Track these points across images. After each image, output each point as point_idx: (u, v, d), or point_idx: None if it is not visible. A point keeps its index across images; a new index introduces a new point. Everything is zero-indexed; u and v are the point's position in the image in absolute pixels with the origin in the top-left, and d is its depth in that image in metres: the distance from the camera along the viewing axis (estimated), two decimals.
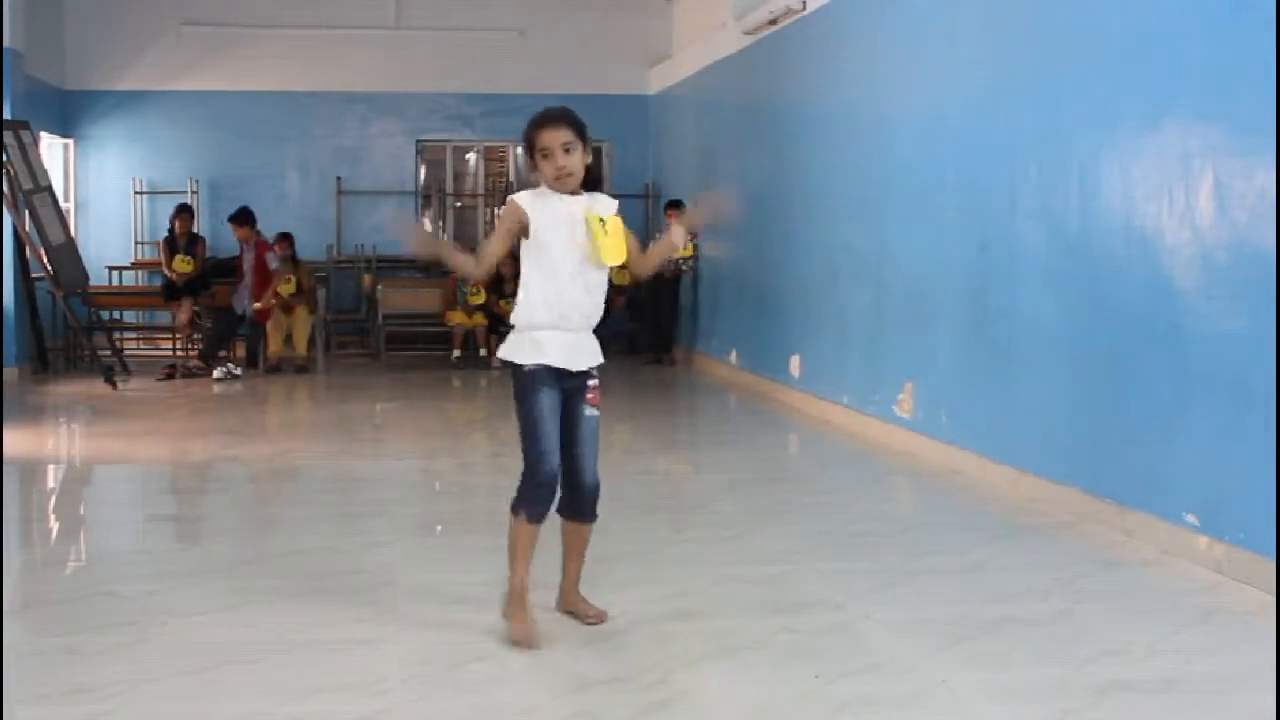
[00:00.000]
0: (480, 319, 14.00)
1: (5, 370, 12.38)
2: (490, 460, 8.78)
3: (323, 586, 5.30)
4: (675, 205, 14.22)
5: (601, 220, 4.58)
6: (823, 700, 4.06)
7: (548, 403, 4.60)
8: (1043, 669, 4.34)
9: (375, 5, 16.00)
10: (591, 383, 4.68)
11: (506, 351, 4.68)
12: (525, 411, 4.61)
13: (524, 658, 4.44)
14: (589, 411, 4.67)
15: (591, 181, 4.72)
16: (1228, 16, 5.58)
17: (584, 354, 4.65)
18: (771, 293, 11.48)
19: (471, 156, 17.11)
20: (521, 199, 4.63)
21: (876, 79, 9.27)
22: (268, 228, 15.07)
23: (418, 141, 16.54)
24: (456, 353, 14.14)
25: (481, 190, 17.11)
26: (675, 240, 4.83)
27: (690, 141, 14.65)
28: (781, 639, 4.65)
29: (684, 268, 14.20)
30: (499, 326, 14.14)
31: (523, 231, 4.60)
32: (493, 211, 17.10)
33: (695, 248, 14.07)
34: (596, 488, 4.71)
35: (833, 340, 10.01)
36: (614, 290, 14.77)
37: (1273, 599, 5.08)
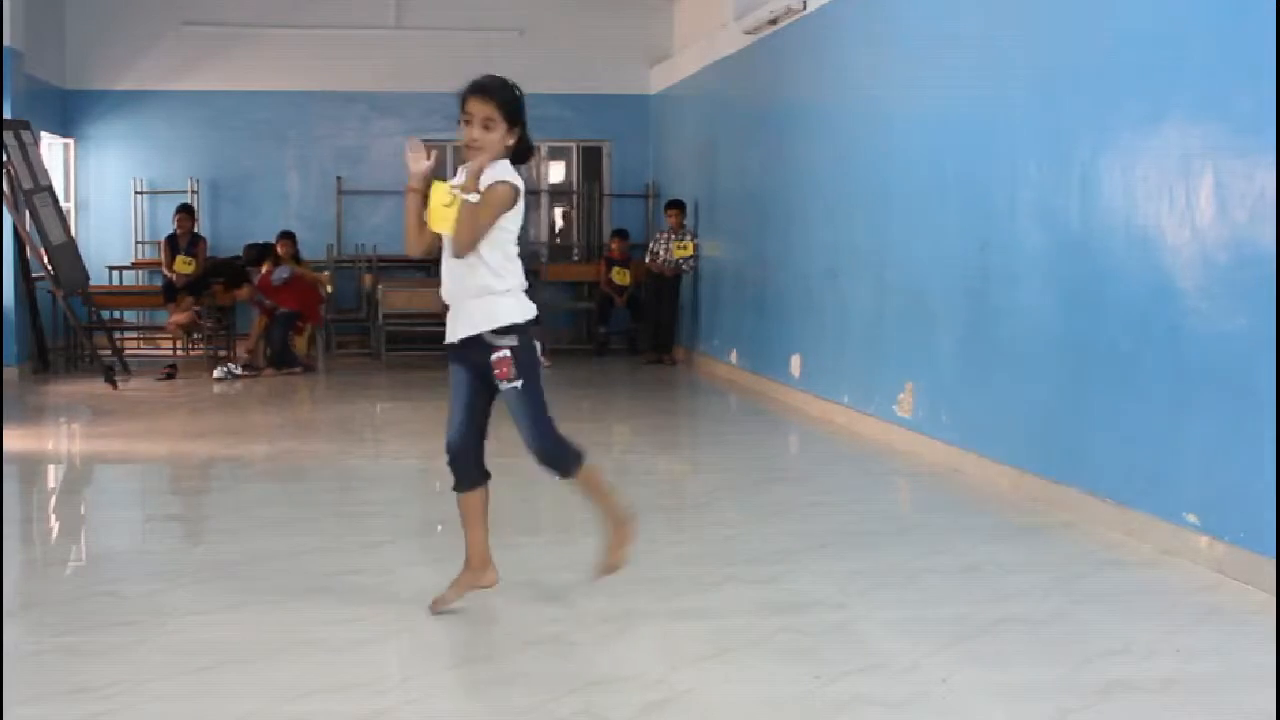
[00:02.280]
0: None
1: (5, 370, 12.38)
2: (490, 461, 8.74)
3: (323, 586, 5.30)
4: (675, 205, 14.22)
5: (452, 189, 4.59)
6: (822, 700, 4.06)
7: (454, 375, 4.80)
8: (1043, 669, 4.34)
9: (375, 5, 15.99)
10: (495, 356, 4.67)
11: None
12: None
13: (524, 657, 4.44)
14: (503, 386, 4.71)
15: (522, 157, 4.74)
16: (1228, 17, 5.58)
17: (460, 323, 4.71)
18: (772, 292, 11.48)
19: None
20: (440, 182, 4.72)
21: (877, 79, 9.27)
22: (269, 227, 15.12)
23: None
24: None
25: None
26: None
27: (691, 141, 14.65)
28: (781, 639, 4.65)
29: (685, 268, 14.20)
30: None
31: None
32: None
33: (696, 247, 14.07)
34: (541, 451, 4.76)
35: (833, 340, 10.01)
36: (615, 289, 14.91)
37: (1273, 598, 5.08)
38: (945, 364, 8.13)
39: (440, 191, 4.61)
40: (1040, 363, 7.00)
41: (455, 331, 4.72)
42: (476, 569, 4.92)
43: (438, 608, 4.88)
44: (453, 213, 4.57)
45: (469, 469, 4.84)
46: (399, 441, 9.67)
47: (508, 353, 4.66)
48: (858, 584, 5.36)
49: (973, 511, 6.82)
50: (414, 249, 4.75)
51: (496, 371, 4.66)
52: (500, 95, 4.60)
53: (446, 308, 4.77)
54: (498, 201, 4.58)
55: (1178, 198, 5.87)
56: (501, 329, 4.66)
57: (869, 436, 9.07)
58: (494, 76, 4.70)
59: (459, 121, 4.64)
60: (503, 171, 4.64)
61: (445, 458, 4.84)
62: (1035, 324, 7.05)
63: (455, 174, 4.80)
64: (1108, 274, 6.40)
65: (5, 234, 12.53)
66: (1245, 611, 5.02)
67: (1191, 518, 5.73)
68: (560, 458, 4.79)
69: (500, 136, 4.59)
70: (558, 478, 4.84)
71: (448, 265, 4.69)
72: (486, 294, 4.66)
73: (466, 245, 4.57)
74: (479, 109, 4.58)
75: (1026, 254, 7.16)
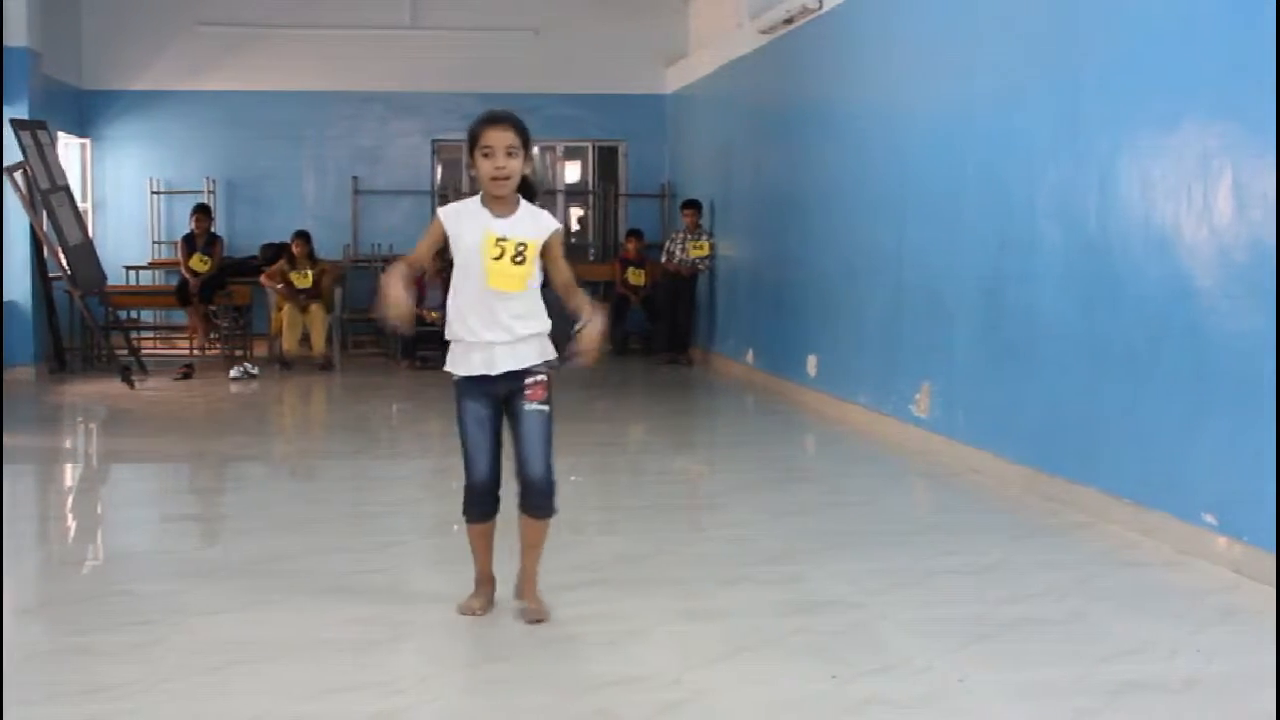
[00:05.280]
0: None
1: (22, 370, 12.46)
2: (505, 461, 8.75)
3: (339, 586, 5.30)
4: (691, 205, 14.21)
5: (519, 244, 4.57)
6: (839, 700, 4.04)
7: (472, 415, 4.72)
8: (1060, 669, 4.33)
9: (391, 5, 16.02)
10: (530, 380, 4.68)
11: (447, 362, 4.76)
12: (458, 420, 4.75)
13: (539, 657, 4.44)
14: (528, 407, 4.69)
15: (528, 193, 4.74)
16: (1247, 15, 5.55)
17: (505, 360, 4.66)
18: (788, 293, 11.46)
19: None
20: (445, 213, 4.71)
21: (893, 78, 9.26)
22: (284, 227, 15.15)
23: (434, 141, 16.55)
24: None
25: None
26: (584, 327, 4.64)
27: (707, 141, 14.64)
28: (798, 639, 4.64)
29: (701, 267, 14.19)
30: None
31: (446, 244, 4.66)
32: None
33: (712, 247, 14.06)
34: (542, 479, 4.72)
35: (850, 340, 9.99)
36: (630, 290, 14.90)
37: None
38: (962, 364, 8.11)
39: (490, 244, 4.57)
40: (1058, 362, 6.97)
41: (497, 366, 4.64)
42: (490, 586, 5.00)
43: (470, 613, 4.91)
44: (506, 267, 4.57)
45: (493, 501, 4.85)
46: (414, 441, 9.67)
47: (544, 377, 4.71)
48: (874, 584, 5.34)
49: (989, 511, 6.81)
50: (404, 272, 4.62)
51: (529, 393, 4.67)
52: (518, 123, 4.62)
53: (457, 341, 4.70)
54: (562, 246, 4.73)
55: (1196, 197, 5.84)
56: (546, 361, 4.73)
57: (885, 436, 9.05)
58: (500, 109, 4.70)
59: (472, 158, 4.61)
60: (549, 217, 4.74)
61: (471, 492, 4.80)
62: (1053, 323, 7.03)
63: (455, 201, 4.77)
64: (1126, 273, 6.38)
65: (23, 234, 12.58)
66: (1263, 612, 4.99)
67: (1209, 518, 5.70)
68: (550, 493, 4.77)
69: (520, 164, 4.62)
70: (539, 514, 4.79)
71: (487, 307, 4.62)
72: (540, 330, 4.70)
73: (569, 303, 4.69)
74: (502, 138, 4.56)
75: (1044, 253, 7.14)
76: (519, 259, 4.57)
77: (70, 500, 7.57)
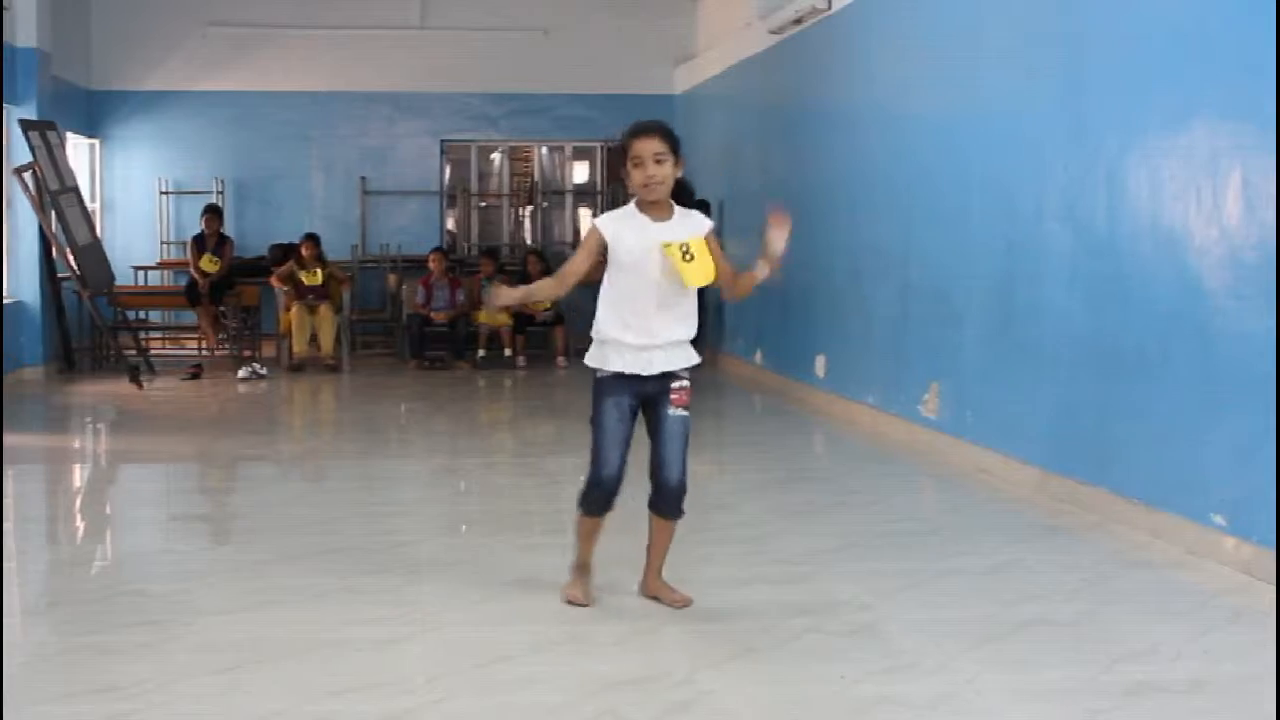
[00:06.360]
0: (506, 319, 13.97)
1: (31, 370, 12.49)
2: (515, 461, 8.78)
3: (348, 586, 5.31)
4: (700, 205, 14.19)
5: (683, 245, 4.75)
6: (848, 701, 4.04)
7: (615, 410, 4.81)
8: (1069, 670, 4.32)
9: (400, 5, 16.03)
10: (676, 384, 4.82)
11: (589, 358, 4.90)
12: (594, 416, 4.85)
13: (549, 657, 4.44)
14: (672, 412, 4.84)
15: (683, 196, 4.92)
16: (1256, 14, 5.54)
17: (660, 362, 4.80)
18: (797, 293, 11.45)
19: (496, 156, 17.14)
20: (603, 223, 4.84)
21: (902, 78, 9.25)
22: (293, 227, 15.18)
23: (442, 141, 16.56)
24: (481, 352, 14.14)
25: (506, 190, 17.13)
26: (759, 275, 5.00)
27: (716, 141, 14.63)
28: (807, 639, 4.64)
29: None
30: (525, 326, 14.16)
31: (604, 252, 4.80)
32: (517, 211, 17.14)
33: (721, 247, 14.01)
34: (679, 484, 4.87)
35: (858, 340, 9.99)
36: None
37: None
38: (971, 364, 8.11)
39: (673, 251, 4.75)
40: (1066, 363, 6.96)
41: (649, 366, 4.79)
42: (588, 574, 5.08)
43: (579, 602, 5.00)
44: (696, 264, 4.80)
45: (615, 498, 4.90)
46: (424, 441, 9.68)
47: (688, 383, 4.86)
48: (883, 585, 5.34)
49: (999, 512, 6.80)
50: (560, 293, 4.97)
51: (675, 398, 4.82)
52: (664, 130, 4.80)
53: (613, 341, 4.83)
54: (716, 242, 4.94)
55: (1205, 197, 5.84)
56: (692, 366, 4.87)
57: (894, 437, 9.04)
58: (647, 119, 4.88)
59: (626, 170, 4.78)
60: (700, 217, 4.94)
61: (593, 484, 4.85)
62: (1061, 324, 7.02)
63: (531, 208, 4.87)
64: (1134, 273, 6.37)
65: (32, 234, 12.61)
66: (1272, 613, 4.98)
67: (1219, 519, 5.69)
68: (683, 497, 4.92)
69: (671, 170, 4.77)
70: (670, 515, 4.95)
71: (648, 312, 4.78)
72: (690, 335, 4.90)
73: (733, 295, 5.07)
74: (649, 147, 4.73)
75: (1052, 253, 7.13)
76: (688, 257, 4.76)
77: (79, 500, 7.59)
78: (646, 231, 4.76)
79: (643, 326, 4.77)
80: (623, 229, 4.79)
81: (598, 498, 4.86)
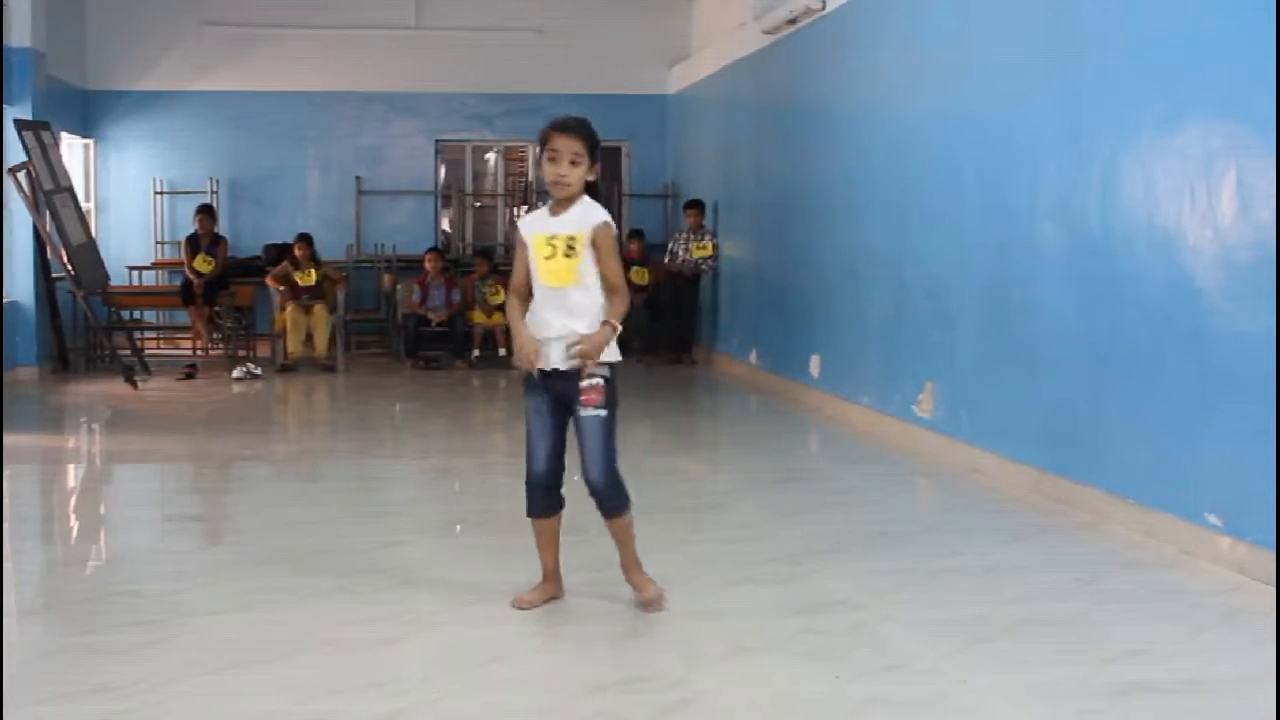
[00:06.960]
0: (500, 319, 13.96)
1: (26, 370, 12.48)
2: (510, 461, 8.75)
3: (342, 586, 5.31)
4: (694, 205, 14.21)
5: (553, 238, 4.73)
6: (842, 701, 4.05)
7: (533, 409, 4.88)
8: (1063, 670, 4.33)
9: (395, 5, 16.03)
10: (585, 383, 4.76)
11: None
12: (525, 413, 4.91)
13: (544, 657, 4.45)
14: (584, 412, 4.79)
15: (593, 195, 4.88)
16: (1249, 15, 5.55)
17: (554, 356, 4.77)
18: (792, 293, 11.47)
19: (491, 156, 17.15)
20: (522, 223, 4.92)
21: (896, 79, 9.26)
22: (287, 227, 15.18)
23: (437, 141, 16.57)
24: (475, 352, 14.13)
25: (501, 190, 17.13)
26: (598, 339, 4.72)
27: (710, 141, 14.64)
28: (801, 639, 4.65)
29: (704, 267, 14.19)
30: None
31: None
32: (512, 211, 17.13)
33: (715, 247, 14.05)
34: (599, 483, 4.81)
35: (853, 340, 10.00)
36: (633, 289, 14.86)
37: None
38: (965, 364, 8.11)
39: (540, 244, 4.75)
40: (1061, 363, 6.97)
41: (551, 359, 4.77)
42: (551, 584, 5.07)
43: (519, 605, 4.97)
44: (557, 263, 4.72)
45: (553, 497, 4.93)
46: (418, 441, 9.68)
47: (600, 381, 4.79)
48: (877, 584, 5.35)
49: (993, 512, 6.81)
50: (517, 304, 4.92)
51: (584, 398, 4.77)
52: (586, 132, 4.79)
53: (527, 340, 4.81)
54: (613, 244, 4.84)
55: (1199, 196, 5.84)
56: (603, 362, 4.77)
57: (889, 437, 9.05)
58: (572, 116, 4.89)
59: (541, 158, 4.81)
60: (600, 211, 4.83)
61: (527, 486, 4.90)
62: (1056, 324, 7.03)
63: (527, 208, 4.91)
64: (1129, 273, 6.38)
65: (26, 234, 12.59)
66: (1266, 613, 4.99)
67: (1213, 518, 5.70)
68: (613, 495, 4.86)
69: (584, 173, 4.78)
70: (604, 515, 4.91)
71: (547, 306, 4.77)
72: (588, 330, 4.75)
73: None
74: (568, 145, 4.74)
75: (1046, 253, 7.14)
76: (569, 253, 4.72)
77: (74, 500, 7.58)
78: (541, 225, 4.82)
79: (537, 320, 4.80)
80: (532, 224, 4.87)
81: (529, 497, 4.92)
